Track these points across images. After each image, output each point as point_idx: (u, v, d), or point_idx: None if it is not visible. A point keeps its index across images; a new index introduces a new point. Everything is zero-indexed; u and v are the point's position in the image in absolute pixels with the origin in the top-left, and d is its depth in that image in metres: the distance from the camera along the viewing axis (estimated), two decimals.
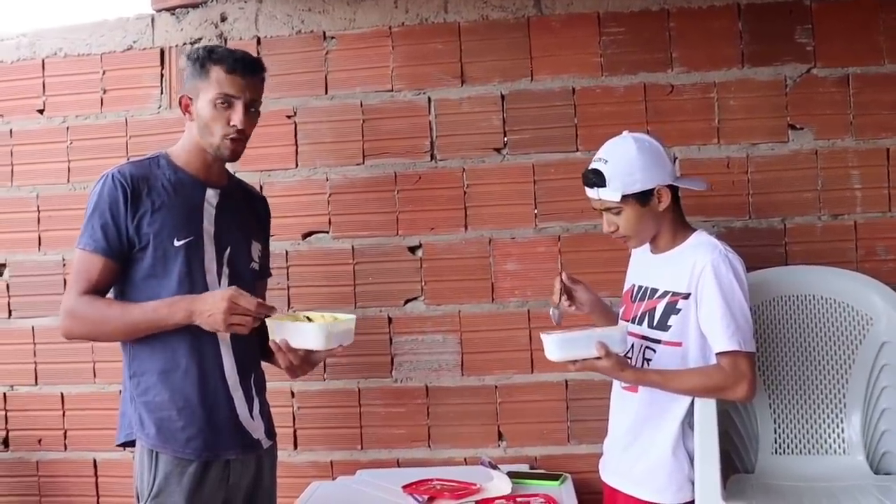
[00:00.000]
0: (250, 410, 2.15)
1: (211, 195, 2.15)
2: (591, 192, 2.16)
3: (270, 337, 2.03)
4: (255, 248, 2.26)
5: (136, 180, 2.05)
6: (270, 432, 2.25)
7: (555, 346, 2.03)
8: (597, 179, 2.12)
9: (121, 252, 2.03)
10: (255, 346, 2.22)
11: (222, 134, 2.08)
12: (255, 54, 2.64)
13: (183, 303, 1.98)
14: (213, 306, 1.93)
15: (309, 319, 2.10)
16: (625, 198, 2.10)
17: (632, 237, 2.19)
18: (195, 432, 2.04)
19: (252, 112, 2.13)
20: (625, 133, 2.18)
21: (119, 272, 2.05)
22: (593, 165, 2.15)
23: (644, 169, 2.09)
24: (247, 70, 2.10)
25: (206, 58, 2.09)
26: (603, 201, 2.14)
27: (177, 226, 2.06)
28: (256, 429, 2.17)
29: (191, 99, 2.11)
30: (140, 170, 2.09)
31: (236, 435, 2.11)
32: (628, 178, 2.09)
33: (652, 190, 2.10)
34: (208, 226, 2.12)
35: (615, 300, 2.49)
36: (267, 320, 2.03)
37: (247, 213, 2.29)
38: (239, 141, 2.11)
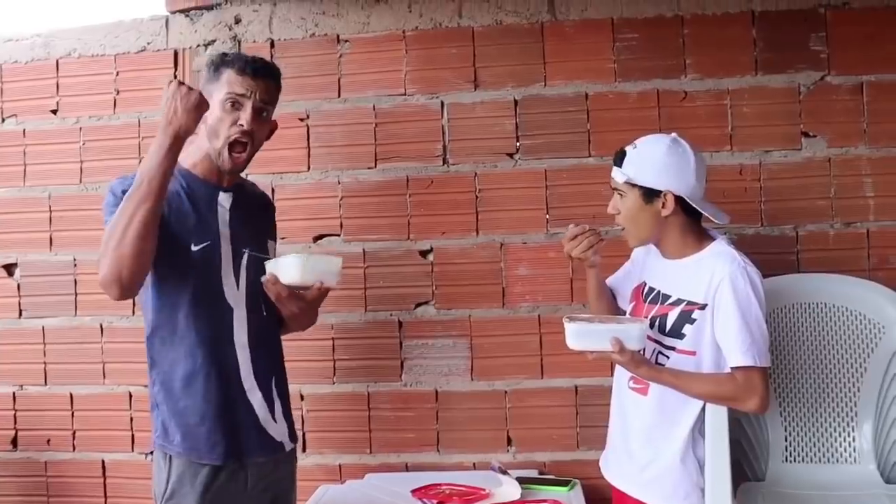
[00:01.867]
0: (272, 413, 2.14)
1: (223, 198, 2.13)
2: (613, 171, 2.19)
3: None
4: (271, 247, 2.27)
5: None
6: (293, 435, 2.25)
7: (573, 335, 2.04)
8: (618, 158, 2.16)
9: None
10: (275, 347, 2.24)
11: (226, 136, 2.04)
12: (268, 57, 2.67)
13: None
14: (169, 108, 1.88)
15: None
16: (631, 184, 2.12)
17: (628, 231, 2.20)
18: (219, 438, 2.03)
19: (263, 117, 2.10)
20: (673, 133, 2.18)
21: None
22: (626, 146, 2.18)
23: (661, 169, 2.10)
24: (258, 72, 2.08)
25: (220, 62, 2.10)
26: (614, 180, 2.17)
27: (193, 231, 2.05)
28: (280, 432, 2.17)
29: None
30: None
31: (259, 438, 2.11)
32: (642, 168, 2.11)
33: (659, 192, 2.10)
34: (224, 229, 2.10)
35: None
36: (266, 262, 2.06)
37: (259, 213, 2.29)
38: (242, 146, 2.07)
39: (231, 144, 2.06)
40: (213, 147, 2.07)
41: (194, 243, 2.04)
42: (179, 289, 2.03)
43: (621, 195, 2.16)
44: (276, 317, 2.15)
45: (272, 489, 2.18)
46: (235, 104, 2.05)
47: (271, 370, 2.19)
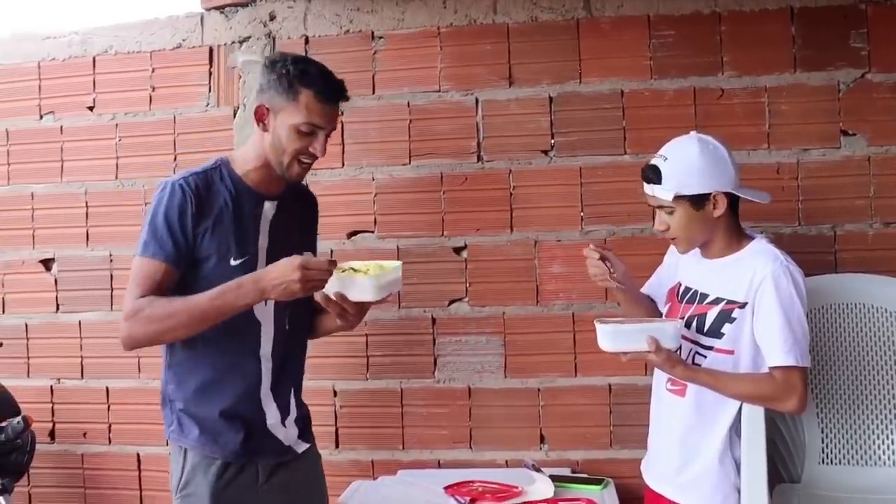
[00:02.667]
0: (283, 420, 2.15)
1: (268, 208, 2.11)
2: (647, 189, 2.14)
3: (325, 290, 1.96)
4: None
5: (202, 192, 2.01)
6: (306, 435, 2.25)
7: (607, 337, 2.03)
8: (653, 176, 2.10)
9: (185, 260, 1.99)
10: (299, 358, 2.24)
11: (295, 156, 2.03)
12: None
13: (249, 283, 1.90)
14: (284, 277, 1.85)
15: (354, 270, 2.02)
16: (678, 198, 2.08)
17: (681, 240, 2.17)
18: (229, 439, 2.06)
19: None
20: (692, 133, 2.15)
21: (179, 280, 2.00)
22: (653, 161, 2.13)
23: (702, 172, 2.07)
24: (336, 98, 2.06)
25: (298, 78, 2.01)
26: (656, 198, 2.12)
27: (235, 245, 2.03)
28: (289, 436, 2.17)
29: (268, 110, 2.03)
30: (204, 182, 2.04)
31: (267, 442, 2.12)
32: (685, 178, 2.07)
33: (708, 194, 2.07)
34: (263, 241, 2.09)
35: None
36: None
37: (301, 221, 2.27)
38: (309, 165, 2.08)
39: (299, 161, 2.06)
40: (278, 159, 2.05)
41: (234, 258, 2.02)
42: None
43: (668, 212, 2.12)
44: (303, 329, 2.17)
45: (291, 489, 2.17)
46: (311, 132, 2.03)
47: (292, 380, 2.19)
